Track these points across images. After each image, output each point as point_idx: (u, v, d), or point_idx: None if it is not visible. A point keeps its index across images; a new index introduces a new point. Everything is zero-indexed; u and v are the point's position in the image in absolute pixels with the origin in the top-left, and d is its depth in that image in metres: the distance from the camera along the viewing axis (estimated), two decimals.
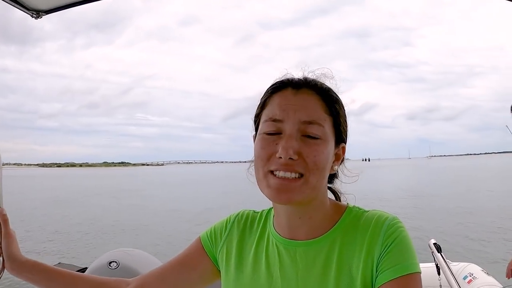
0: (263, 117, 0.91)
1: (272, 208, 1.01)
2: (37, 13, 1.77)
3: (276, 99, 0.91)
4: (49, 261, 9.07)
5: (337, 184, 1.04)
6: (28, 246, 12.02)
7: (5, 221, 1.06)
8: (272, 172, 0.85)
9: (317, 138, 0.86)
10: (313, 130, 0.86)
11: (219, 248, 1.03)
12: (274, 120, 0.87)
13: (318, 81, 0.94)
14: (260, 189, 0.89)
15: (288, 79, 0.93)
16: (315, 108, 0.88)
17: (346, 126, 0.95)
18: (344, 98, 0.95)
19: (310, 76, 0.95)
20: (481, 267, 3.39)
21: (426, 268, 3.42)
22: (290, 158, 0.83)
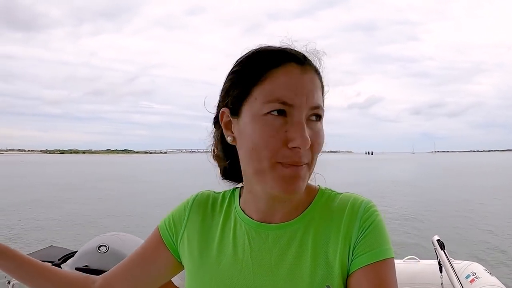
0: (264, 95, 0.75)
1: (235, 189, 0.94)
2: None
3: (281, 77, 0.76)
4: (42, 243, 9.15)
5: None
6: (22, 229, 12.15)
7: None
8: (279, 162, 0.75)
9: (318, 121, 0.79)
10: (318, 113, 0.78)
11: (179, 237, 0.92)
12: (283, 103, 0.74)
13: (315, 58, 0.84)
14: (259, 181, 0.79)
15: (291, 51, 0.80)
16: (319, 90, 0.80)
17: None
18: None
19: (299, 49, 0.83)
20: (484, 267, 3.32)
21: (429, 265, 3.36)
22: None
